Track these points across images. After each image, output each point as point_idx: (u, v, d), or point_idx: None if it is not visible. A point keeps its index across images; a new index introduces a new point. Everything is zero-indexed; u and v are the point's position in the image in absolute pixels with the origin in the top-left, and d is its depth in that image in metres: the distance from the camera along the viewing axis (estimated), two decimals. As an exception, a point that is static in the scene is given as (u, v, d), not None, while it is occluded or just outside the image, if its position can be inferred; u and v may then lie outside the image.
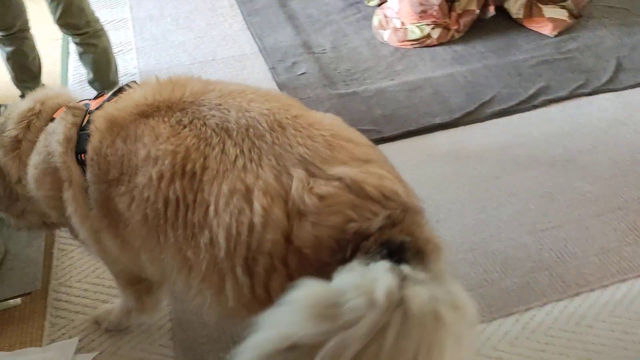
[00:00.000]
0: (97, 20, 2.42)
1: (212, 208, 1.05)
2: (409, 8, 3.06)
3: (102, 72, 2.49)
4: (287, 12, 3.52)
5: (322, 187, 1.00)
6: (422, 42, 3.06)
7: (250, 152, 1.07)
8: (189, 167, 1.08)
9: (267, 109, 1.14)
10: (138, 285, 1.58)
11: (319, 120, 1.14)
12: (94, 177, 1.21)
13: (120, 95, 1.29)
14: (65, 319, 1.84)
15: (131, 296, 1.65)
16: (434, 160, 2.35)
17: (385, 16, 3.20)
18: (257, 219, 1.01)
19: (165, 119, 1.16)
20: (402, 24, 3.11)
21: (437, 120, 2.54)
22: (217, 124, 1.12)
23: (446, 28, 3.08)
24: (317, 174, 1.02)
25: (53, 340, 1.78)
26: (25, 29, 2.39)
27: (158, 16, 3.56)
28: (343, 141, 1.09)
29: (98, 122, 1.22)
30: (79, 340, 1.76)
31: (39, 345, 1.77)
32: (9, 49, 2.39)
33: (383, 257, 0.92)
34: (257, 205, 1.01)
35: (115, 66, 2.60)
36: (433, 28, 3.05)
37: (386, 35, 3.15)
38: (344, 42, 3.20)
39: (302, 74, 2.95)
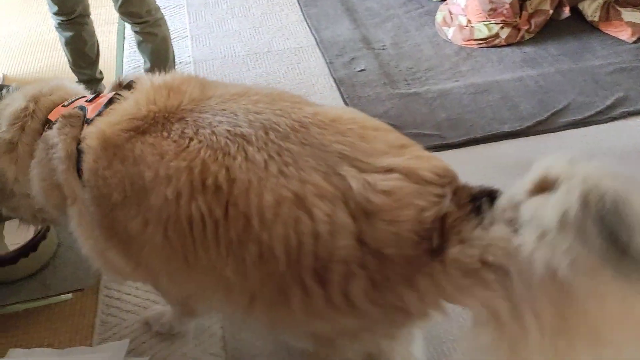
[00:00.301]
0: (158, 9, 2.36)
1: (255, 221, 0.97)
2: (477, 5, 2.89)
3: (160, 62, 2.42)
4: (346, 4, 3.40)
5: (384, 182, 0.95)
6: (490, 42, 2.90)
7: (280, 155, 0.99)
8: (210, 180, 1.00)
9: (278, 109, 1.07)
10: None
11: (339, 114, 1.09)
12: (93, 198, 1.15)
13: (112, 106, 1.20)
14: (117, 317, 1.79)
15: (175, 304, 1.59)
16: (502, 171, 2.19)
17: (450, 12, 3.04)
18: (322, 227, 0.94)
19: (165, 133, 1.07)
20: (469, 21, 2.94)
21: (506, 128, 2.39)
22: (228, 131, 1.03)
23: (516, 28, 2.90)
24: (366, 169, 0.97)
25: (103, 340, 1.73)
26: (85, 14, 2.34)
27: (213, 3, 3.49)
28: (372, 131, 1.05)
29: (90, 141, 1.14)
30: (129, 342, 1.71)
31: (89, 344, 1.73)
32: (68, 34, 2.34)
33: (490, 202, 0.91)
34: (318, 213, 0.94)
35: (173, 56, 2.54)
36: (502, 27, 2.88)
37: (450, 33, 2.99)
38: (405, 39, 3.06)
39: (361, 70, 2.83)
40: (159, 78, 1.23)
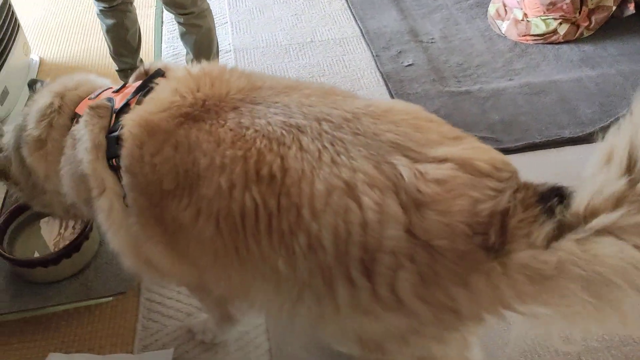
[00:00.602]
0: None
1: (306, 211, 0.95)
2: (535, -2, 2.73)
3: (203, 54, 2.32)
4: (392, -8, 3.25)
5: (437, 172, 0.92)
6: (547, 39, 2.74)
7: (332, 145, 0.97)
8: (264, 171, 0.98)
9: (331, 102, 1.05)
10: (213, 295, 1.44)
11: (392, 106, 1.07)
12: (137, 186, 1.11)
13: (149, 94, 1.17)
14: (158, 323, 1.73)
15: (212, 307, 1.53)
16: (563, 180, 2.05)
17: (505, 5, 2.88)
18: (371, 216, 0.91)
19: (221, 121, 1.05)
20: (525, 15, 2.78)
21: (566, 134, 2.25)
22: (283, 122, 1.01)
23: (575, 24, 2.74)
24: (419, 159, 0.94)
25: (145, 346, 1.68)
26: (128, 1, 2.25)
27: (254, -12, 3.37)
28: (425, 122, 1.02)
29: (132, 128, 1.10)
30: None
31: (130, 350, 1.68)
32: (110, 21, 2.26)
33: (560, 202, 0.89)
34: (367, 201, 0.91)
35: (217, 47, 2.44)
36: (560, 23, 2.72)
37: (504, 26, 2.84)
38: (455, 32, 2.92)
39: (409, 65, 2.70)
40: (194, 67, 1.19)
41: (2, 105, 2.45)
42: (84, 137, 1.18)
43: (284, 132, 1.00)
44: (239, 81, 1.13)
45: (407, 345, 1.06)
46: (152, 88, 1.18)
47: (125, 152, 1.10)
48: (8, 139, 1.39)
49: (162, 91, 1.15)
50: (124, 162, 1.11)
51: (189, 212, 1.05)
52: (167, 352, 1.62)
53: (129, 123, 1.11)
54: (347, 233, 0.93)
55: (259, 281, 1.08)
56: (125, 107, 1.17)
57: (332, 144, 0.97)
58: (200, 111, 1.07)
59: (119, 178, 1.14)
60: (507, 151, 2.19)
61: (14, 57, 2.62)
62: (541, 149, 2.21)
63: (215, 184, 1.01)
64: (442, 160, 0.93)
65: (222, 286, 1.20)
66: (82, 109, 1.25)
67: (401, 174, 0.92)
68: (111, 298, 1.77)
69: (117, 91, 1.26)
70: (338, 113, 1.02)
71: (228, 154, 1.00)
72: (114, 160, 1.13)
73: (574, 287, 0.84)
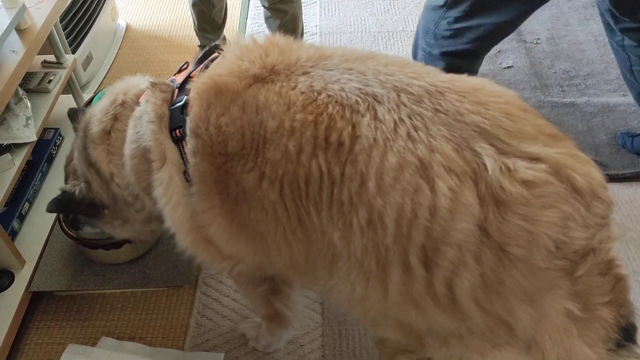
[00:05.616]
0: (291, -17, 2.12)
1: (372, 183, 0.88)
2: (665, 4, 2.39)
3: (287, 38, 2.20)
4: (496, -18, 2.97)
5: (528, 172, 0.82)
6: (673, 52, 2.40)
7: (410, 119, 0.89)
8: (334, 137, 0.91)
9: (411, 72, 0.96)
10: (260, 287, 1.39)
11: (482, 84, 0.96)
12: (201, 149, 1.05)
13: (212, 63, 1.14)
14: (212, 321, 1.66)
15: (258, 302, 1.45)
16: (676, 222, 1.81)
17: (626, 8, 2.55)
18: (443, 202, 0.84)
19: (292, 83, 0.99)
20: (649, 22, 2.45)
21: (687, 166, 1.97)
22: (359, 89, 0.94)
23: None
24: (507, 151, 0.84)
25: (196, 345, 1.62)
26: (217, -25, 2.15)
27: (347, -33, 3.19)
28: (519, 110, 0.91)
29: (200, 90, 1.06)
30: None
31: (181, 346, 1.62)
32: (198, -5, 2.17)
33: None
34: (441, 185, 0.84)
35: (302, 34, 2.30)
36: (692, 35, 2.37)
37: (622, 33, 2.52)
38: (564, 33, 2.63)
39: (509, 67, 2.46)
40: (259, 38, 1.14)
41: (84, 71, 2.44)
42: (146, 110, 1.16)
43: (358, 99, 0.93)
44: (308, 50, 1.07)
45: (446, 347, 0.99)
46: (214, 59, 1.14)
47: (191, 114, 1.06)
48: (74, 165, 1.40)
49: (229, 57, 1.10)
50: (189, 125, 1.07)
51: (253, 175, 1.00)
52: (217, 356, 1.55)
53: (196, 86, 1.08)
54: (413, 215, 0.86)
55: (319, 259, 1.01)
56: (187, 81, 1.13)
57: (410, 118, 0.89)
58: (270, 74, 1.02)
59: (181, 152, 1.10)
60: (613, 178, 1.96)
61: (101, 22, 2.60)
62: (653, 181, 1.95)
63: (282, 147, 0.96)
64: (535, 159, 0.84)
65: (281, 261, 1.10)
66: (144, 97, 1.22)
67: (484, 164, 0.83)
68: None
69: (178, 73, 1.23)
70: (419, 84, 0.93)
71: (298, 117, 0.95)
72: (177, 131, 1.09)
73: None
